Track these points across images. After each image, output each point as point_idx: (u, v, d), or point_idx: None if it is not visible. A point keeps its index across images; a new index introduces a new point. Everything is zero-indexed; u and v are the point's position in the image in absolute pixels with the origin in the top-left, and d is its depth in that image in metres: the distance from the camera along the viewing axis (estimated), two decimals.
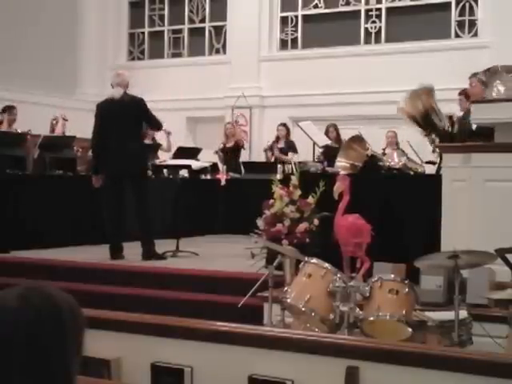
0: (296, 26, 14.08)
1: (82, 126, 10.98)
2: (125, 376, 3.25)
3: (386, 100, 12.17)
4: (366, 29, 13.44)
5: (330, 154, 8.89)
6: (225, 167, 11.50)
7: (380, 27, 13.33)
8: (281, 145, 11.51)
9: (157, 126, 7.97)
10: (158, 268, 6.97)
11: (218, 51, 14.89)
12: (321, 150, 9.78)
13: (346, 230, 4.75)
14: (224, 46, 14.75)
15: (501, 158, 5.21)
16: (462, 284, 4.19)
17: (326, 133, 10.83)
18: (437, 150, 6.51)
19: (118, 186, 7.46)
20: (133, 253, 7.49)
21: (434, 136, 6.52)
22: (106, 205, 7.65)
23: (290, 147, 11.45)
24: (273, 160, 11.32)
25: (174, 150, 10.44)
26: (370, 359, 2.86)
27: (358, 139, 7.01)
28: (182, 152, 9.79)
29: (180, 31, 15.28)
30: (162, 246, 7.63)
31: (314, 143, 9.65)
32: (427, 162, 7.68)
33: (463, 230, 5.22)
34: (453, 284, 3.85)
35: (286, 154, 11.31)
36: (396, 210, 6.11)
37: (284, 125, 11.81)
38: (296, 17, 14.06)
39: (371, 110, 12.43)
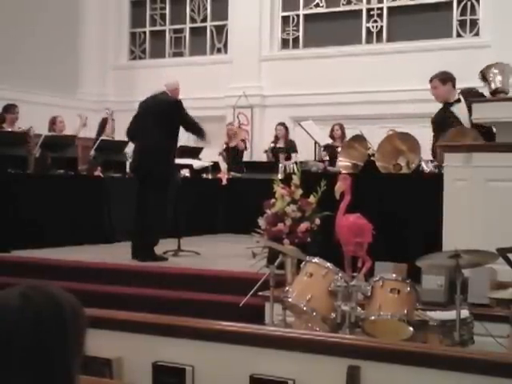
0: (297, 25, 14.07)
1: None
2: (126, 375, 3.25)
3: (388, 100, 12.23)
4: (368, 28, 13.43)
5: (333, 154, 8.90)
6: (226, 167, 11.51)
7: (381, 27, 13.32)
8: (280, 145, 11.50)
9: (194, 131, 7.63)
10: (160, 268, 6.97)
11: (219, 51, 14.89)
12: (323, 150, 9.78)
13: (347, 230, 4.74)
14: (225, 46, 14.75)
15: (502, 157, 5.21)
16: (464, 283, 4.19)
17: (331, 131, 10.82)
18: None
19: (139, 184, 7.48)
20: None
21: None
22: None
23: (291, 147, 11.44)
24: (273, 159, 11.31)
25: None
26: (371, 359, 2.86)
27: (359, 139, 7.00)
28: (184, 151, 9.77)
29: (181, 31, 15.27)
30: (163, 245, 7.62)
31: (316, 142, 9.64)
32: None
33: (464, 229, 5.22)
34: (454, 283, 3.85)
35: (287, 154, 11.28)
36: (397, 209, 6.11)
37: (282, 124, 11.80)
38: (297, 16, 14.06)
39: (372, 110, 12.43)
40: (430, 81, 6.87)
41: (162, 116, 7.28)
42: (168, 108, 7.36)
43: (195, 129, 7.60)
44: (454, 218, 5.34)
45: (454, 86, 6.82)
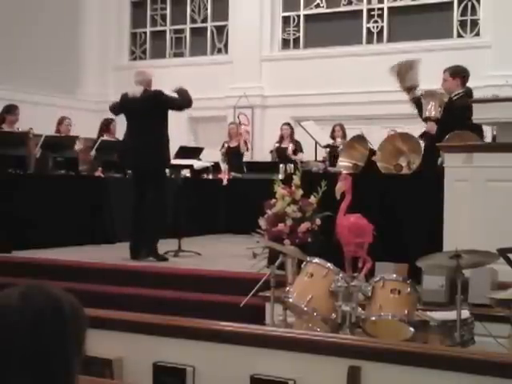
0: (298, 25, 14.07)
1: (84, 126, 11.02)
2: (127, 376, 3.25)
3: (388, 100, 12.18)
4: (368, 28, 13.43)
5: (334, 154, 8.89)
6: (227, 167, 11.50)
7: (382, 27, 13.33)
8: (286, 145, 11.47)
9: (180, 106, 7.77)
10: (160, 268, 6.97)
11: (219, 51, 14.89)
12: (327, 150, 9.76)
13: (347, 230, 4.74)
14: (226, 46, 14.76)
15: (503, 157, 5.20)
16: (464, 284, 4.19)
17: (332, 132, 10.81)
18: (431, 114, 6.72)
19: (137, 184, 7.49)
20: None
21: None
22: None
23: (297, 147, 11.42)
24: (277, 159, 11.27)
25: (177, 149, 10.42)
26: (371, 359, 2.85)
27: (360, 139, 7.00)
28: (184, 152, 9.77)
29: (182, 31, 15.28)
30: (163, 245, 7.62)
31: (316, 143, 9.63)
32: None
33: (465, 229, 5.21)
34: (455, 284, 3.85)
35: (296, 154, 11.25)
36: (398, 209, 6.11)
37: (288, 124, 11.77)
38: (298, 16, 14.06)
39: (373, 110, 12.43)
40: (443, 72, 6.94)
41: (153, 111, 7.35)
42: (156, 102, 7.41)
43: (177, 103, 7.69)
44: (454, 219, 5.34)
45: (463, 83, 6.83)
